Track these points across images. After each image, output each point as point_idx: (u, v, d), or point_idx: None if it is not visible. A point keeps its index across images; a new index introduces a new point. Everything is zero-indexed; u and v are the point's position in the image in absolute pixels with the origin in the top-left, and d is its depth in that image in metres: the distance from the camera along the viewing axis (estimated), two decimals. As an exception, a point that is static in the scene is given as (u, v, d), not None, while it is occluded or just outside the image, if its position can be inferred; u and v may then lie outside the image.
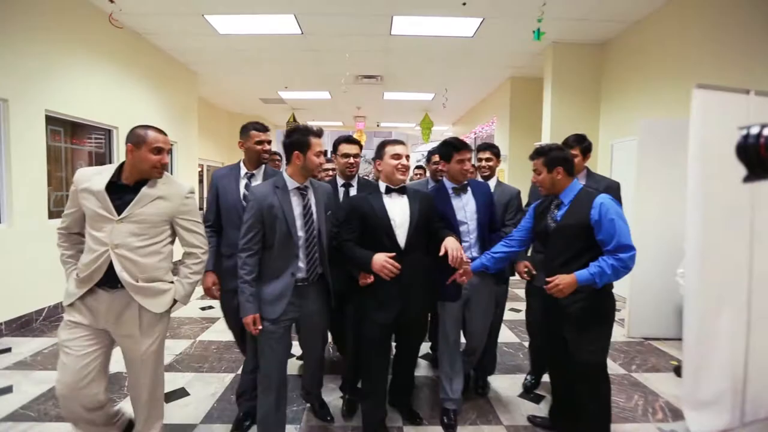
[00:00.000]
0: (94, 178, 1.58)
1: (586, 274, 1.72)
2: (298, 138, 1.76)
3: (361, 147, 2.47)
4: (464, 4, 4.23)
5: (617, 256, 1.69)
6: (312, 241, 1.81)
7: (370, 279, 1.83)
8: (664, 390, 2.57)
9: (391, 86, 7.56)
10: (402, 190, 1.98)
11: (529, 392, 2.54)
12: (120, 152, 4.88)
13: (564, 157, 1.86)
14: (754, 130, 0.71)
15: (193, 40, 5.30)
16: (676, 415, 2.26)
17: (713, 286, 2.05)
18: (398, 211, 1.93)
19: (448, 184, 2.19)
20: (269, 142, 2.20)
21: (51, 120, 3.86)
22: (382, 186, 1.98)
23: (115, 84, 4.74)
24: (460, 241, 1.98)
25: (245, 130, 2.18)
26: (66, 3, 3.93)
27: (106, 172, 1.60)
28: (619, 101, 4.95)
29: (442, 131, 12.54)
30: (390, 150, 1.97)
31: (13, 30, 3.38)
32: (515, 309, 4.12)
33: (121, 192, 1.58)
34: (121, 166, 1.63)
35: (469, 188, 2.19)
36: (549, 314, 1.93)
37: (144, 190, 1.59)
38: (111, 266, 1.54)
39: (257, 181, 2.13)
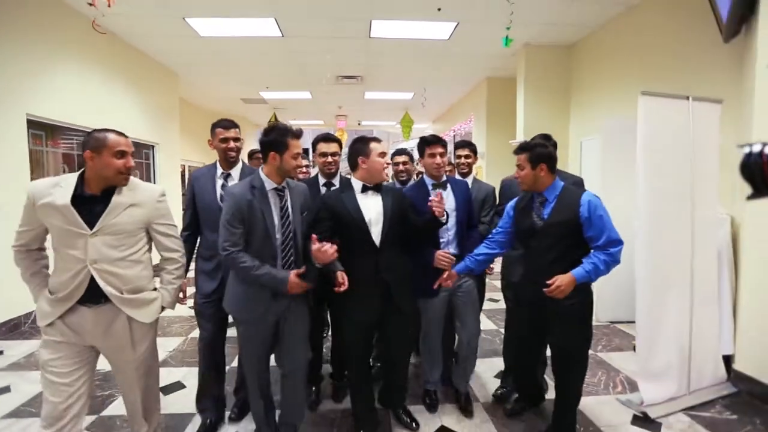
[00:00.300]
0: (53, 191, 1.45)
1: (581, 271, 1.74)
2: (276, 138, 1.69)
3: (340, 145, 2.40)
4: (439, 9, 4.42)
5: (608, 251, 1.73)
6: (288, 243, 1.76)
7: (345, 286, 1.75)
8: (625, 366, 2.83)
9: (371, 86, 7.71)
10: (377, 188, 1.95)
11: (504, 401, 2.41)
12: (102, 155, 4.89)
13: (548, 153, 1.84)
14: (756, 149, 0.70)
15: (174, 43, 5.32)
16: (634, 387, 2.51)
17: (660, 270, 2.31)
18: (373, 208, 1.90)
19: (428, 181, 2.20)
20: (236, 140, 2.11)
21: (32, 124, 3.87)
22: (357, 184, 1.94)
23: (96, 86, 4.74)
24: (438, 237, 2.11)
25: (212, 128, 2.12)
26: (48, 8, 3.94)
27: (65, 184, 1.47)
28: (587, 101, 5.23)
29: (423, 129, 12.76)
30: (377, 148, 1.92)
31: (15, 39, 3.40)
32: (492, 299, 4.36)
33: (88, 204, 1.47)
34: (82, 175, 1.51)
35: (448, 185, 2.20)
36: (536, 316, 1.91)
37: (115, 199, 1.51)
38: (92, 282, 1.47)
39: (234, 181, 2.07)
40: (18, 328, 3.49)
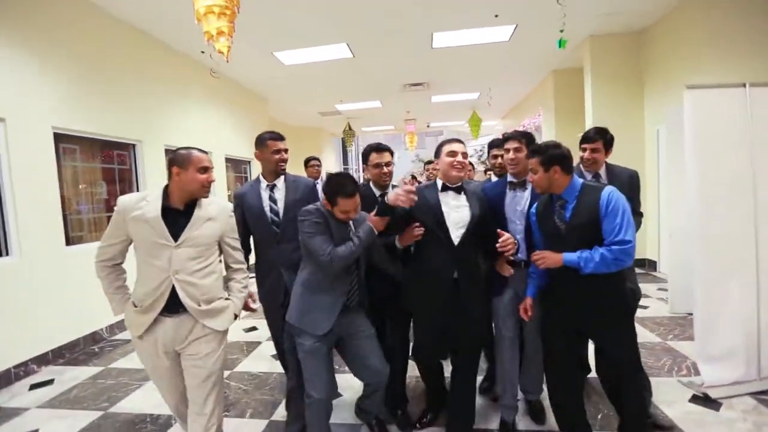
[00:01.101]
0: (142, 205, 1.56)
1: (573, 256, 1.69)
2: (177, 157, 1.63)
3: (392, 153, 2.26)
4: (496, 16, 4.65)
5: (610, 247, 1.64)
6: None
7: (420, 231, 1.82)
8: (694, 353, 2.84)
9: (437, 90, 8.05)
10: (459, 189, 1.93)
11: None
12: (216, 174, 5.93)
13: (561, 154, 1.74)
14: None
15: (264, 72, 6.23)
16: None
17: (719, 257, 2.36)
18: (453, 208, 1.89)
19: (510, 178, 2.07)
20: (286, 151, 2.17)
21: (169, 152, 4.93)
22: (439, 183, 1.96)
23: (208, 116, 5.80)
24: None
25: (261, 140, 2.14)
26: (175, 58, 5.00)
27: (151, 198, 1.59)
28: (662, 87, 5.01)
29: (492, 125, 12.71)
30: (446, 148, 1.93)
31: (141, 82, 4.45)
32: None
33: (172, 217, 1.57)
34: (166, 189, 1.61)
35: (529, 186, 2.00)
36: (571, 321, 1.79)
37: (196, 213, 1.60)
38: (172, 292, 1.55)
39: (280, 192, 2.13)
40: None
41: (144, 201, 1.58)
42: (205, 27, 2.94)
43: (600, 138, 2.21)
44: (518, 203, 2.02)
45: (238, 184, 6.89)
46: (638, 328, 3.31)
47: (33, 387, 2.92)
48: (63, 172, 3.58)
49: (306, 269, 1.84)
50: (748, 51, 3.58)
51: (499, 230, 1.81)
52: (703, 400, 2.28)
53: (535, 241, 1.92)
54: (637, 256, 2.54)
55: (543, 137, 7.53)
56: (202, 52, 5.22)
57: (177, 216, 1.58)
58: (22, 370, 3.08)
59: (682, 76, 4.61)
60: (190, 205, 1.62)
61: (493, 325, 2.16)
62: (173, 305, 1.56)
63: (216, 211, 1.67)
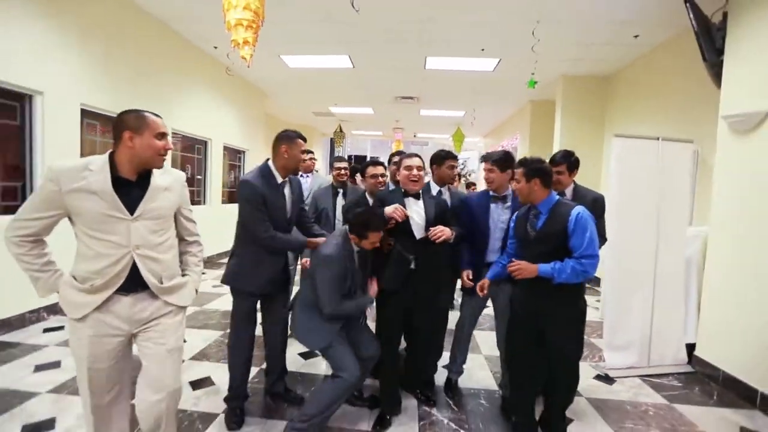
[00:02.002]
0: (86, 175, 1.37)
1: (547, 267, 1.87)
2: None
3: (385, 167, 2.66)
4: (483, 50, 5.31)
5: (580, 260, 1.83)
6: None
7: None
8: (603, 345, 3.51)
9: (426, 104, 8.69)
10: (416, 196, 2.27)
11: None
12: (213, 162, 6.34)
13: (542, 169, 1.94)
14: None
15: (268, 71, 6.69)
16: (609, 362, 3.21)
17: (628, 272, 3.03)
18: (414, 211, 2.24)
19: (492, 192, 2.38)
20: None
21: (174, 135, 5.33)
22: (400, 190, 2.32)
23: (210, 105, 6.21)
24: (483, 244, 2.36)
25: (290, 138, 2.12)
26: (191, 52, 5.42)
27: (95, 167, 1.39)
28: (622, 126, 5.76)
29: (475, 142, 13.49)
30: (405, 162, 2.26)
31: (158, 69, 4.85)
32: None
33: (124, 188, 1.42)
34: (111, 158, 1.43)
35: (509, 199, 2.32)
36: (533, 322, 2.00)
37: (153, 183, 1.48)
38: (132, 269, 1.44)
39: (288, 188, 2.19)
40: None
41: (86, 171, 1.38)
42: (234, 36, 3.43)
43: (564, 161, 2.47)
44: (500, 216, 2.33)
45: (232, 173, 7.30)
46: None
47: (46, 330, 3.31)
48: (84, 145, 3.97)
49: (307, 293, 2.08)
50: (678, 108, 4.34)
51: (432, 229, 2.15)
52: (604, 378, 2.93)
53: (508, 244, 2.20)
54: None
55: (518, 156, 8.26)
56: (215, 47, 5.67)
57: (129, 187, 1.43)
58: (35, 315, 3.46)
59: (631, 121, 5.40)
60: (143, 176, 1.47)
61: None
62: (131, 283, 1.44)
63: (170, 180, 1.55)
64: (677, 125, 4.33)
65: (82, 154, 3.89)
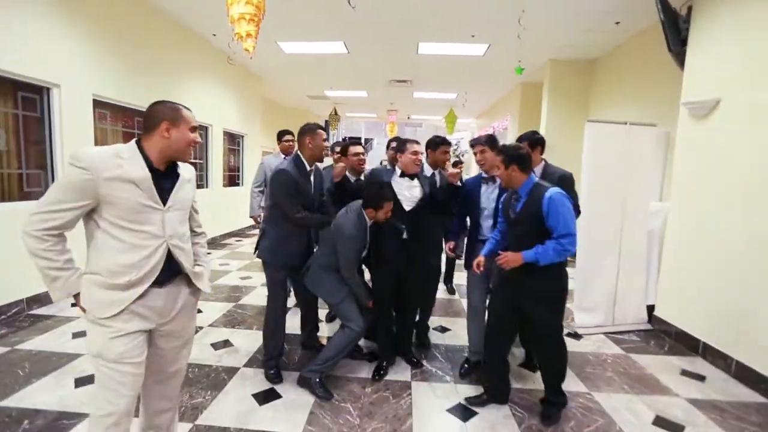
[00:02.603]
0: (121, 162, 1.33)
1: (530, 252, 1.99)
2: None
3: (363, 147, 2.95)
4: (473, 36, 5.53)
5: (559, 241, 1.96)
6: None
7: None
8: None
9: (419, 87, 8.89)
10: (412, 176, 2.59)
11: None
12: (214, 147, 6.59)
13: (518, 155, 2.05)
14: None
15: (265, 57, 6.85)
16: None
17: (596, 243, 3.40)
18: (407, 188, 2.56)
19: (483, 174, 2.59)
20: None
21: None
22: (398, 171, 2.61)
23: (211, 91, 6.41)
24: (476, 221, 2.59)
25: (312, 130, 2.38)
26: (195, 43, 5.60)
27: (127, 156, 1.36)
28: (604, 109, 6.07)
29: (467, 123, 13.71)
30: (411, 148, 2.54)
31: (162, 59, 5.06)
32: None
33: (155, 178, 1.39)
34: (140, 147, 1.40)
35: (498, 180, 2.43)
36: (513, 296, 2.15)
37: (181, 174, 1.50)
38: (167, 259, 1.42)
39: (312, 174, 2.48)
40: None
41: (119, 158, 1.34)
42: (237, 29, 3.67)
43: (527, 139, 2.56)
44: (490, 194, 2.52)
45: (231, 156, 7.55)
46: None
47: (74, 305, 3.66)
48: (96, 133, 4.22)
49: (325, 258, 2.43)
50: (655, 92, 4.64)
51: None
52: (573, 335, 3.35)
53: (499, 224, 2.37)
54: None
55: (508, 140, 8.56)
56: (214, 35, 5.84)
57: (158, 177, 1.41)
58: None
59: (613, 104, 5.70)
60: (169, 167, 1.47)
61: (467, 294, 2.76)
62: (166, 274, 1.42)
63: (191, 173, 1.58)
64: (654, 108, 4.63)
65: (96, 142, 4.15)
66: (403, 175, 2.62)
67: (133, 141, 1.41)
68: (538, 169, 2.58)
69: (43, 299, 3.59)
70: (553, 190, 2.01)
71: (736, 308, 2.77)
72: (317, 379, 2.35)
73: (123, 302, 1.34)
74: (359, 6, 4.57)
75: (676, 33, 3.39)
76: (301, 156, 2.42)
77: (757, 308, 2.61)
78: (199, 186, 6.39)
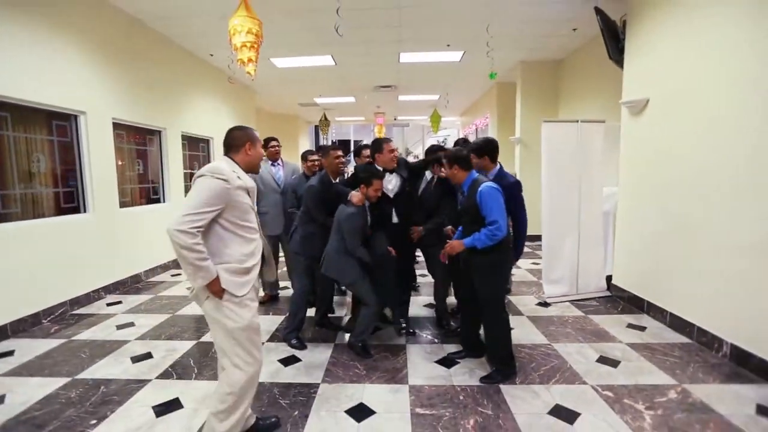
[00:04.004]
0: (239, 175, 1.74)
1: (469, 239, 2.45)
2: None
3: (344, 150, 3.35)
4: (448, 45, 6.11)
5: (488, 227, 2.36)
6: None
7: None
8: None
9: (403, 91, 9.46)
10: (391, 171, 3.11)
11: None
12: (216, 158, 7.09)
13: (458, 156, 2.49)
14: None
15: (259, 72, 7.31)
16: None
17: (557, 223, 4.00)
18: (388, 181, 3.11)
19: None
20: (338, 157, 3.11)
21: (184, 137, 6.07)
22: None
23: (209, 107, 6.92)
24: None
25: (324, 151, 3.18)
26: (195, 63, 6.10)
27: (236, 169, 1.76)
28: (572, 105, 6.68)
29: (453, 120, 14.31)
30: (388, 146, 3.05)
31: (167, 80, 5.56)
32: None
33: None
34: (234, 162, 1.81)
35: (489, 177, 2.83)
36: (465, 269, 2.64)
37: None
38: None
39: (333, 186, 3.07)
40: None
41: (234, 172, 1.73)
42: (240, 56, 4.19)
43: (471, 151, 2.82)
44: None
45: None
46: (525, 274, 5.00)
47: (109, 304, 4.17)
48: (116, 151, 4.72)
49: (336, 243, 2.85)
50: (612, 90, 5.25)
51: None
52: (543, 304, 3.94)
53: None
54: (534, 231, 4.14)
55: (489, 135, 9.16)
56: (211, 54, 6.36)
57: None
58: (96, 294, 4.30)
59: (579, 101, 6.31)
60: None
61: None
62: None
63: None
64: (611, 105, 5.24)
65: (116, 160, 4.66)
66: (384, 170, 3.09)
67: (227, 158, 1.82)
68: (491, 174, 2.90)
69: (81, 301, 4.10)
70: (486, 185, 2.36)
71: (667, 270, 3.38)
72: (359, 344, 2.92)
73: (249, 282, 1.76)
74: (344, 23, 5.11)
75: (615, 42, 3.99)
76: (326, 173, 3.12)
77: (681, 268, 3.22)
78: (204, 195, 6.88)
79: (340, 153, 3.20)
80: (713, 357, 2.83)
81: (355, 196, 2.83)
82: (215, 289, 1.68)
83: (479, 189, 2.38)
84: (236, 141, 1.83)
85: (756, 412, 2.19)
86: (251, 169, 1.88)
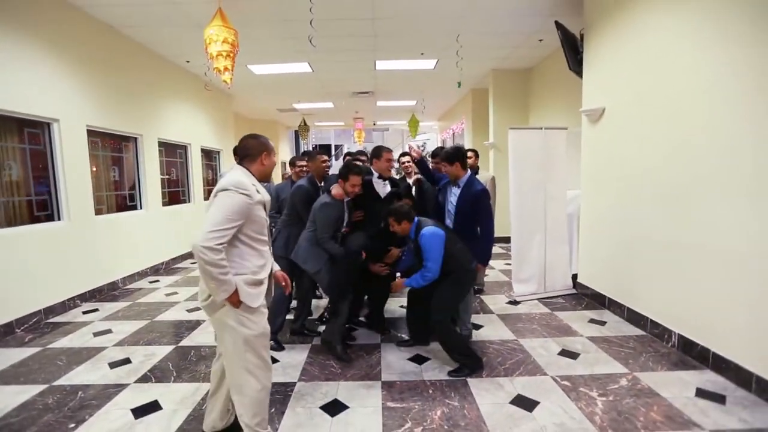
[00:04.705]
0: (257, 189, 1.75)
1: (408, 280, 2.74)
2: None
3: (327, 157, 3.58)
4: (422, 54, 6.31)
5: (422, 270, 2.64)
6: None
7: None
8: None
9: (381, 97, 9.63)
10: (386, 179, 3.32)
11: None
12: (193, 164, 7.08)
13: (398, 211, 2.70)
14: None
15: (236, 79, 7.35)
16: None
17: (526, 224, 4.21)
18: (382, 187, 3.28)
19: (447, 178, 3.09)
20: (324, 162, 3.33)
21: (161, 144, 6.06)
22: (375, 174, 3.29)
23: (187, 113, 6.92)
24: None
25: (312, 156, 3.37)
26: (166, 68, 6.11)
27: (254, 182, 1.77)
28: (540, 111, 6.97)
29: (431, 125, 14.59)
30: (387, 156, 3.24)
31: (143, 87, 5.56)
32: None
33: None
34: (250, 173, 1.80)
35: (460, 184, 2.97)
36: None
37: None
38: None
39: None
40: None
41: (253, 186, 1.74)
42: (216, 65, 4.27)
43: (442, 159, 3.06)
44: (452, 194, 3.03)
45: (210, 171, 8.03)
46: (498, 274, 5.20)
47: (85, 312, 4.16)
48: (90, 159, 4.70)
49: (309, 232, 2.96)
50: (576, 97, 5.54)
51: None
52: (512, 302, 4.14)
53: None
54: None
55: (465, 140, 9.42)
56: (187, 61, 6.38)
57: None
58: (72, 302, 4.28)
59: (547, 108, 6.61)
60: None
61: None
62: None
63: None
64: (577, 112, 5.52)
65: (91, 167, 4.64)
66: (379, 177, 3.28)
67: (245, 169, 1.81)
68: (462, 181, 3.00)
69: (57, 309, 4.07)
70: (428, 229, 2.59)
71: (625, 268, 3.62)
72: (337, 346, 2.96)
73: (262, 293, 1.78)
74: (319, 32, 5.23)
75: (574, 54, 4.25)
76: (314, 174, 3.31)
77: (636, 266, 3.46)
78: (182, 201, 6.87)
79: (326, 158, 3.41)
80: (663, 347, 3.07)
81: (335, 188, 2.92)
82: (233, 300, 1.70)
83: (421, 232, 2.62)
84: (252, 151, 1.83)
85: (695, 395, 2.41)
86: (265, 178, 1.89)
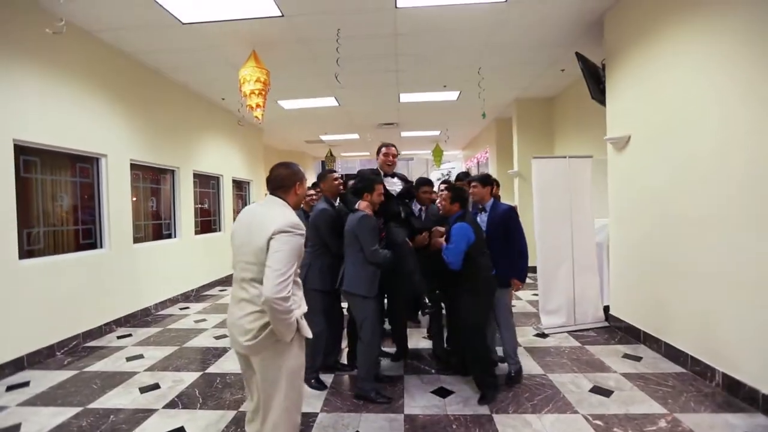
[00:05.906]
0: (302, 225, 1.69)
1: (444, 247, 2.79)
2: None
3: (342, 176, 3.44)
4: (445, 86, 6.48)
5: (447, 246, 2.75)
6: None
7: None
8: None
9: (405, 128, 9.85)
10: (392, 175, 3.26)
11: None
12: (225, 194, 7.41)
13: (458, 194, 2.86)
14: None
15: (267, 115, 7.75)
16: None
17: (553, 254, 4.12)
18: (391, 184, 3.19)
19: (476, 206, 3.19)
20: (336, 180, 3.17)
21: (195, 175, 6.40)
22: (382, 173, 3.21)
23: (219, 146, 7.31)
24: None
25: (323, 176, 3.20)
26: (206, 106, 6.54)
27: (297, 216, 1.73)
28: (566, 140, 6.93)
29: (455, 154, 14.70)
30: (383, 150, 3.25)
31: (180, 122, 5.95)
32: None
33: None
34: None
35: (488, 209, 3.09)
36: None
37: None
38: None
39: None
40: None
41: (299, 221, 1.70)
42: (249, 102, 4.56)
43: (479, 182, 3.13)
44: (480, 222, 3.02)
45: (240, 201, 8.36)
46: (525, 305, 5.07)
47: (120, 337, 4.32)
48: (132, 190, 5.02)
49: (351, 256, 2.77)
50: (600, 126, 5.50)
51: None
52: (541, 335, 4.00)
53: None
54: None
55: (489, 169, 9.43)
56: (223, 98, 6.81)
57: None
58: (108, 327, 4.47)
59: (573, 136, 6.57)
60: None
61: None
62: None
63: None
64: (603, 140, 5.47)
65: (132, 197, 4.94)
66: (385, 175, 3.27)
67: (283, 201, 1.76)
68: (488, 205, 3.12)
69: (93, 333, 4.26)
70: (463, 224, 2.71)
71: (661, 300, 3.45)
72: (372, 392, 2.79)
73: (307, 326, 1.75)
74: (345, 69, 5.49)
75: (596, 83, 4.26)
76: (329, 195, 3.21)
77: (673, 299, 3.30)
78: (213, 229, 7.15)
79: (337, 175, 3.29)
80: (706, 386, 2.87)
81: (361, 203, 2.80)
82: (295, 333, 1.69)
83: (457, 222, 2.75)
84: (286, 181, 1.79)
85: (743, 440, 2.23)
86: (297, 207, 1.86)
